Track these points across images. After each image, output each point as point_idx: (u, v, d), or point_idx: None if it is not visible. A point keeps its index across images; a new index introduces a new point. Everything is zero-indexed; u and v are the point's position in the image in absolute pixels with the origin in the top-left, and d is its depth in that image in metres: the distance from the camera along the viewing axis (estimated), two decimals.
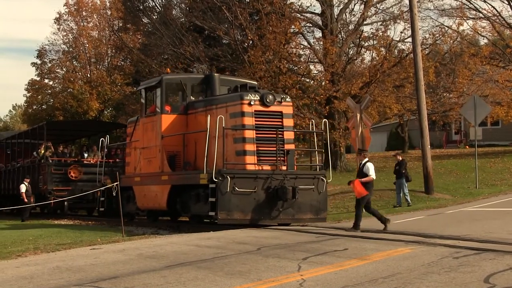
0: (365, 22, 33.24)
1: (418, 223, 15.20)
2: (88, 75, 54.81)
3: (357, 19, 33.23)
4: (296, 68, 34.01)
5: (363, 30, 33.04)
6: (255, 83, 19.34)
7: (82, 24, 55.10)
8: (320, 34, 33.61)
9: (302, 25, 32.45)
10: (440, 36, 32.96)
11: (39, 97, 57.95)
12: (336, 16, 33.04)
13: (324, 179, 16.07)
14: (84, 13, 55.14)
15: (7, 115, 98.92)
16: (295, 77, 31.69)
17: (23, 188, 24.82)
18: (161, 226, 18.53)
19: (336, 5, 33.41)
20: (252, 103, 15.61)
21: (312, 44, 33.51)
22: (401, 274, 8.55)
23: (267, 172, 15.42)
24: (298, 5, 34.38)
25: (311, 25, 34.34)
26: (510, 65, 36.81)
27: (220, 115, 15.56)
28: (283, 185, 15.10)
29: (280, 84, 28.95)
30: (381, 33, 31.27)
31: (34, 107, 58.75)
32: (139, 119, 19.57)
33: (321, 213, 15.99)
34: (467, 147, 44.28)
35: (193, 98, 18.37)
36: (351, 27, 33.48)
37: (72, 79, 53.92)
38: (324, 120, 18.40)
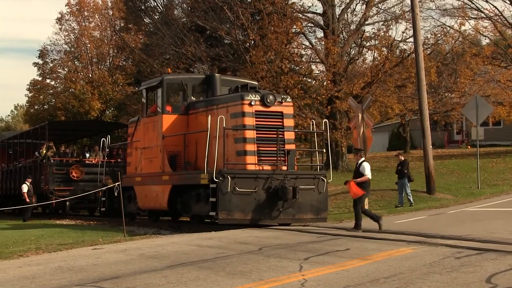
0: (366, 22, 33.23)
1: (420, 223, 15.19)
2: (90, 75, 54.84)
3: (359, 19, 33.24)
4: (297, 68, 34.00)
5: (364, 30, 33.06)
6: (256, 83, 19.35)
7: (83, 24, 55.14)
8: (322, 34, 33.60)
9: (303, 25, 32.43)
10: (442, 36, 32.92)
11: (41, 97, 58.00)
12: (337, 16, 33.01)
13: (325, 179, 16.09)
14: (86, 13, 55.18)
15: (9, 115, 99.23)
16: (297, 77, 31.68)
17: (25, 188, 24.84)
18: (162, 226, 18.54)
19: (338, 5, 33.43)
20: (252, 103, 15.63)
21: (314, 44, 33.50)
22: (402, 274, 8.55)
23: (268, 172, 15.43)
24: (299, 5, 34.42)
25: (312, 25, 34.32)
26: None
27: (221, 115, 15.59)
28: (283, 185, 15.11)
29: (282, 84, 28.94)
30: (382, 33, 31.27)
31: (36, 107, 58.80)
32: (140, 119, 19.58)
33: (322, 213, 16.00)
34: (468, 147, 44.24)
35: (194, 98, 18.39)
36: (353, 27, 33.47)
37: (74, 79, 53.95)
38: (324, 120, 18.40)
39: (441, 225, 14.68)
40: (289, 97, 16.79)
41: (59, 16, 55.42)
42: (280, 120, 16.01)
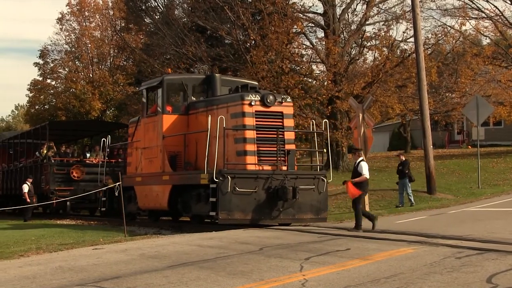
0: (367, 22, 33.23)
1: (421, 223, 15.18)
2: (91, 75, 54.84)
3: (360, 19, 33.25)
4: (298, 68, 34.01)
5: (365, 30, 33.06)
6: (256, 83, 19.36)
7: (84, 24, 55.12)
8: (323, 34, 33.60)
9: (304, 25, 32.44)
10: (443, 36, 32.92)
11: (42, 97, 58.01)
12: (338, 16, 33.01)
13: (325, 179, 16.09)
14: (86, 13, 55.16)
15: (9, 115, 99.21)
16: (297, 77, 31.68)
17: (25, 188, 24.84)
18: (163, 226, 18.55)
19: (339, 5, 33.44)
20: (252, 103, 15.64)
21: (315, 44, 33.52)
22: (403, 274, 8.55)
23: (268, 172, 15.44)
24: (300, 5, 34.44)
25: (313, 25, 34.33)
26: None
27: (221, 116, 15.60)
28: (283, 185, 15.12)
29: (283, 84, 28.94)
30: (383, 33, 31.28)
31: (37, 107, 58.82)
32: (141, 119, 19.59)
33: (322, 213, 16.00)
34: (469, 147, 44.22)
35: (194, 99, 18.40)
36: (354, 27, 33.48)
37: (74, 79, 53.94)
38: (324, 120, 18.41)
39: (441, 225, 14.68)
40: (289, 97, 16.79)
41: (60, 16, 55.50)
42: (280, 120, 16.01)
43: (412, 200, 20.56)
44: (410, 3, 24.47)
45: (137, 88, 37.99)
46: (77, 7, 54.79)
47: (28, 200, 24.23)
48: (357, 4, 33.65)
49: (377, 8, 33.59)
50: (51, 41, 57.77)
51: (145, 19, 41.89)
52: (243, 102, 15.65)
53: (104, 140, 22.48)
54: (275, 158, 15.70)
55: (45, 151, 27.30)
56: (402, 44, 31.91)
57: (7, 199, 29.60)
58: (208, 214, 15.77)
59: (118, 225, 18.61)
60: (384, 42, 31.11)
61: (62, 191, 25.68)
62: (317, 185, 15.88)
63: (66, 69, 56.22)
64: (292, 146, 16.35)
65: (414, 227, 14.01)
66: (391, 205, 20.85)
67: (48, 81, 57.51)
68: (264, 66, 28.76)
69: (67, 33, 55.39)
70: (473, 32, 38.54)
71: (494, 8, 37.16)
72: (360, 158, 14.72)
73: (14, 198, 28.20)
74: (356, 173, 14.47)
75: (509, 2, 37.24)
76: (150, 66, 36.07)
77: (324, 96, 30.74)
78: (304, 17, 33.42)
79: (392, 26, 32.26)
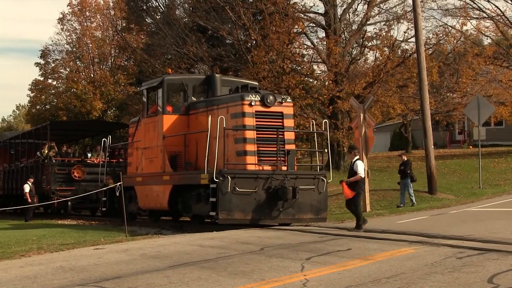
0: (368, 22, 33.21)
1: (422, 223, 15.17)
2: (92, 75, 54.86)
3: (361, 19, 33.23)
4: (299, 68, 34.00)
5: (366, 30, 33.05)
6: (256, 83, 19.38)
7: (85, 24, 55.16)
8: (324, 34, 33.59)
9: (305, 25, 32.44)
10: (444, 36, 32.92)
11: (43, 97, 58.05)
12: (339, 16, 33.00)
13: (325, 179, 16.10)
14: (87, 13, 55.19)
15: (10, 115, 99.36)
16: (298, 77, 31.68)
17: (27, 188, 24.85)
18: (164, 226, 18.56)
19: (340, 5, 33.42)
20: (253, 103, 15.65)
21: (316, 44, 33.51)
22: (404, 274, 8.55)
23: (268, 172, 15.45)
24: (301, 5, 34.41)
25: (314, 25, 34.33)
26: None
27: (221, 116, 15.62)
28: (283, 185, 15.12)
29: (284, 84, 28.94)
30: (384, 33, 31.27)
31: (38, 107, 58.85)
32: (141, 119, 19.61)
33: (322, 213, 16.01)
34: (470, 147, 44.22)
35: (195, 99, 18.41)
36: (355, 27, 33.46)
37: (75, 79, 53.98)
38: (324, 120, 18.41)
39: (442, 225, 14.67)
40: (289, 98, 16.80)
41: (61, 16, 55.51)
42: (280, 120, 16.03)
43: (414, 200, 20.55)
44: (411, 3, 24.48)
45: (138, 88, 37.98)
46: (78, 7, 54.82)
47: (29, 200, 24.24)
48: (358, 4, 33.72)
49: (378, 8, 33.62)
50: (52, 41, 57.99)
51: (146, 19, 41.91)
52: (243, 102, 15.67)
53: (104, 140, 22.49)
54: (275, 158, 15.71)
55: (46, 151, 27.33)
56: (403, 44, 31.94)
57: (8, 199, 29.64)
58: (208, 214, 15.78)
59: (119, 225, 18.63)
60: (385, 42, 31.11)
61: (63, 191, 25.70)
62: (317, 185, 15.89)
63: (67, 69, 56.27)
64: (292, 146, 16.36)
65: (415, 227, 14.00)
66: (392, 205, 20.84)
67: (49, 81, 57.57)
68: (265, 66, 28.76)
69: (68, 33, 55.50)
70: (474, 32, 38.57)
71: (495, 8, 37.22)
72: (356, 157, 14.75)
73: (15, 198, 28.22)
74: (352, 172, 14.50)
75: (510, 2, 37.20)
76: (151, 66, 36.07)
77: (325, 96, 30.73)
78: (305, 17, 33.42)
79: (393, 26, 32.29)
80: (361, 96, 29.11)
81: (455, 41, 33.58)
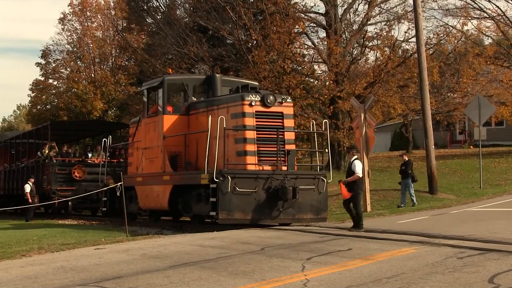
0: (369, 22, 33.19)
1: (422, 223, 15.17)
2: (92, 75, 54.86)
3: (361, 19, 33.20)
4: (300, 68, 33.98)
5: (367, 30, 33.03)
6: (256, 83, 19.39)
7: (86, 24, 55.16)
8: (324, 34, 33.57)
9: (306, 25, 32.42)
10: (445, 36, 32.90)
11: (44, 97, 58.03)
12: (340, 16, 32.98)
13: (325, 179, 16.10)
14: (88, 13, 55.18)
15: (11, 115, 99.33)
16: (299, 77, 31.66)
17: (27, 188, 24.86)
18: (164, 226, 18.56)
19: (340, 5, 33.39)
20: (253, 103, 15.67)
21: (316, 44, 33.50)
22: (405, 274, 8.54)
23: (268, 172, 15.46)
24: (302, 5, 34.36)
25: (315, 25, 34.30)
26: None
27: (221, 116, 15.63)
28: (283, 185, 15.14)
29: (284, 84, 28.93)
30: (385, 33, 31.24)
31: (39, 107, 58.83)
32: (141, 119, 19.62)
33: (322, 213, 16.03)
34: (471, 147, 44.20)
35: (195, 99, 18.42)
36: (355, 27, 33.44)
37: (76, 79, 53.97)
38: (324, 120, 18.41)
39: (443, 225, 14.67)
40: (289, 98, 16.81)
41: (62, 16, 55.51)
42: (280, 120, 16.04)
43: (414, 200, 20.54)
44: (412, 3, 24.46)
45: (138, 88, 38.01)
46: (79, 7, 54.82)
47: (30, 200, 24.25)
48: (359, 4, 33.68)
49: (379, 8, 33.59)
50: (53, 41, 57.86)
51: (147, 19, 41.91)
52: (243, 103, 15.68)
53: (105, 140, 22.49)
54: (275, 158, 15.72)
55: (47, 151, 27.33)
56: (404, 44, 31.93)
57: (9, 199, 29.64)
58: (208, 214, 15.80)
59: (120, 225, 18.64)
60: (386, 42, 31.09)
61: (64, 191, 25.71)
62: (317, 185, 15.90)
63: (68, 69, 56.27)
64: (292, 146, 16.37)
65: (416, 227, 14.00)
66: (393, 205, 20.83)
67: (50, 81, 57.55)
68: (266, 66, 28.75)
69: (69, 33, 55.47)
70: (475, 32, 38.54)
71: (496, 8, 37.19)
72: (354, 157, 14.82)
73: (16, 198, 28.23)
74: (350, 172, 14.56)
75: (511, 2, 37.20)
76: (152, 66, 36.06)
77: (326, 96, 30.72)
78: (305, 17, 33.41)
79: (394, 26, 32.22)
80: (362, 96, 29.10)
81: (455, 41, 33.57)
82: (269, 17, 29.37)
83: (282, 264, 9.67)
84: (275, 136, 15.67)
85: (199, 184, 15.94)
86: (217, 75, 19.40)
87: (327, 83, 32.25)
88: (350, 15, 33.59)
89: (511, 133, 44.32)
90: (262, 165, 15.63)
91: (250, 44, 31.13)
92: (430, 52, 31.47)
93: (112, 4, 54.99)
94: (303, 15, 32.97)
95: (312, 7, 36.44)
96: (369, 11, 32.82)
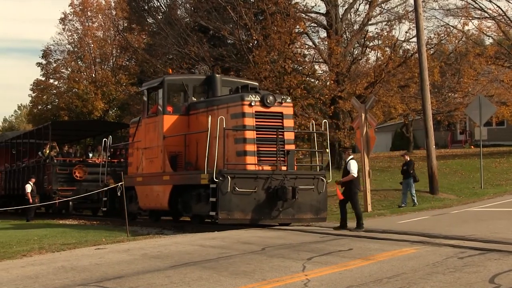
0: (370, 22, 33.21)
1: (423, 223, 15.17)
2: (93, 75, 54.90)
3: (362, 19, 33.22)
4: (301, 68, 33.99)
5: (368, 30, 33.04)
6: (256, 84, 19.40)
7: (87, 24, 55.21)
8: (325, 34, 33.59)
9: (307, 25, 32.43)
10: (445, 36, 32.89)
11: (44, 97, 58.05)
12: (341, 16, 32.99)
13: (324, 179, 16.11)
14: (89, 13, 55.23)
15: (12, 115, 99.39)
16: (300, 77, 31.67)
17: (28, 188, 24.88)
18: (165, 226, 18.56)
19: (341, 5, 33.41)
20: (252, 104, 15.68)
21: (317, 44, 33.52)
22: (405, 274, 8.54)
23: (267, 172, 15.47)
24: (303, 5, 34.38)
25: (316, 25, 34.31)
26: None
27: (221, 116, 15.65)
28: (283, 185, 15.15)
29: (285, 84, 28.93)
30: (386, 33, 31.22)
31: (39, 107, 58.87)
32: (142, 119, 19.62)
33: (321, 213, 16.04)
34: (472, 147, 44.17)
35: (195, 99, 18.43)
36: (356, 27, 33.46)
37: (77, 79, 54.02)
38: (324, 120, 18.41)
39: (444, 225, 14.66)
40: (289, 98, 16.83)
41: (62, 16, 55.59)
42: (280, 120, 16.05)
43: (415, 200, 20.53)
44: (413, 3, 24.45)
45: (139, 88, 38.03)
46: (80, 7, 54.87)
47: (31, 200, 24.27)
48: (359, 4, 33.68)
49: (380, 8, 33.60)
50: (54, 41, 57.91)
51: (147, 19, 41.90)
52: (243, 103, 15.69)
53: (105, 140, 22.50)
54: (275, 158, 15.73)
55: (47, 151, 27.34)
56: (404, 44, 31.94)
57: (10, 199, 29.67)
58: (208, 214, 15.80)
59: (121, 225, 18.65)
60: (387, 42, 31.08)
61: (65, 191, 25.73)
62: (316, 185, 15.91)
63: (69, 69, 56.33)
64: (292, 147, 16.38)
65: (417, 227, 13.99)
66: (394, 205, 20.82)
67: (51, 81, 57.59)
68: (266, 66, 28.75)
69: (70, 33, 55.55)
70: (476, 32, 38.52)
71: (497, 8, 37.18)
72: (350, 157, 14.85)
73: (16, 198, 28.26)
74: (346, 171, 14.62)
75: None
76: (153, 66, 36.06)
77: (326, 96, 30.73)
78: (306, 17, 33.41)
79: (394, 26, 32.24)
80: (363, 96, 29.08)
81: (456, 41, 33.56)
82: (270, 17, 29.37)
83: (283, 264, 9.67)
84: (275, 136, 15.69)
85: (199, 184, 15.95)
86: (217, 75, 19.39)
87: (328, 83, 32.27)
88: (351, 15, 33.63)
89: (511, 133, 44.31)
90: (261, 165, 15.65)
91: (251, 44, 31.13)
92: (431, 52, 31.45)
93: (113, 4, 55.06)
94: (304, 15, 32.97)
95: (313, 7, 36.66)
96: (370, 11, 32.83)
